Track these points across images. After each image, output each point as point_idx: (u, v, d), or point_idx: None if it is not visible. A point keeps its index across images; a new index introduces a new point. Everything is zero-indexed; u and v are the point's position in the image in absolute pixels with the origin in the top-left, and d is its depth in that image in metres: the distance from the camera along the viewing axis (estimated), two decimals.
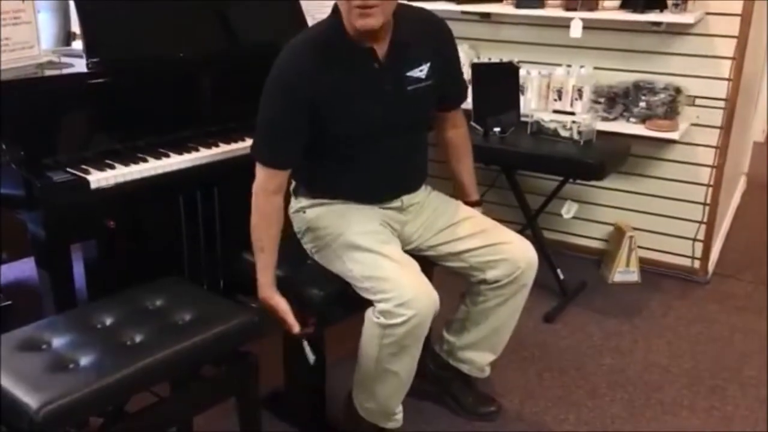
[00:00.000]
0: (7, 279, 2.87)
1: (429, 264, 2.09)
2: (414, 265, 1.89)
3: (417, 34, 1.91)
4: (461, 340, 2.16)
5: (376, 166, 1.97)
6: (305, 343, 1.93)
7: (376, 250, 1.88)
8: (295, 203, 2.08)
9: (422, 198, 2.10)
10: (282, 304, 1.92)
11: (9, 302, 1.86)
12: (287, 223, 2.12)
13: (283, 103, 1.84)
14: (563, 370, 2.52)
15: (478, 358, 2.18)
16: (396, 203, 2.03)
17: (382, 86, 1.89)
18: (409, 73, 1.91)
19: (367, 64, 1.86)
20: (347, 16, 1.78)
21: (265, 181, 1.89)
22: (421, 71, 1.92)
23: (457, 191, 2.23)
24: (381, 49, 1.86)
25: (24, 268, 2.80)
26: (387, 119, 1.91)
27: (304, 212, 2.04)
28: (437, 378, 2.25)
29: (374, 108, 1.89)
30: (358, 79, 1.87)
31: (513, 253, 2.00)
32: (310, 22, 2.55)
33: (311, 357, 1.94)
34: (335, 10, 1.85)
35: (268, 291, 1.93)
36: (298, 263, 2.04)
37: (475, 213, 2.12)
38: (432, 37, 1.98)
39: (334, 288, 1.95)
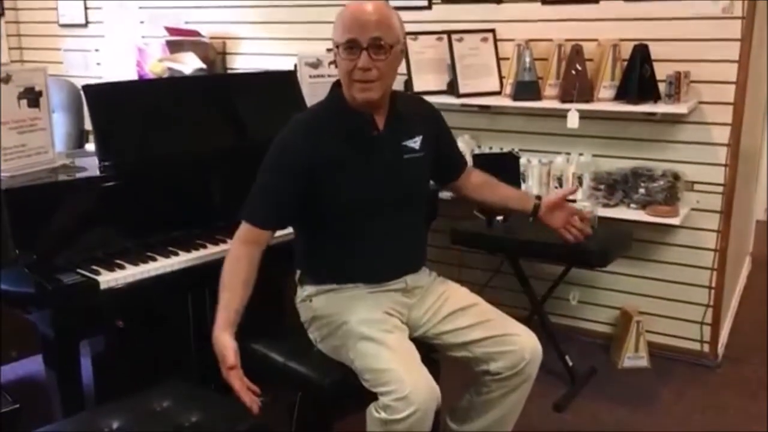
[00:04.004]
0: (17, 375, 2.86)
1: (434, 352, 2.09)
2: (415, 356, 1.89)
3: (410, 110, 2.09)
4: (465, 428, 2.13)
5: (377, 241, 2.02)
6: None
7: (377, 340, 1.89)
8: (301, 292, 2.10)
9: (427, 282, 2.13)
10: (229, 346, 1.86)
11: (17, 405, 1.86)
12: (294, 314, 2.14)
13: (278, 167, 1.97)
14: None
15: None
16: (400, 284, 2.06)
17: (381, 153, 2.01)
18: (404, 143, 2.04)
19: (367, 132, 1.99)
20: (348, 89, 1.94)
21: (242, 233, 1.99)
22: (415, 142, 2.05)
23: (518, 207, 2.32)
24: (380, 120, 2.01)
25: (32, 365, 2.80)
26: (386, 184, 2.01)
27: (311, 301, 2.07)
28: None
29: (374, 172, 1.99)
30: (357, 146, 1.98)
31: (518, 345, 2.00)
32: None
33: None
34: (335, 85, 2.02)
35: (217, 331, 1.89)
36: (304, 353, 2.04)
37: (479, 300, 2.13)
38: (423, 114, 2.15)
39: (340, 376, 1.95)
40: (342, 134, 1.97)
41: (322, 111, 2.04)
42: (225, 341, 1.88)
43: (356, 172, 1.97)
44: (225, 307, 1.93)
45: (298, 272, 2.12)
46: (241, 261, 1.96)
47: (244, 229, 1.99)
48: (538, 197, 2.28)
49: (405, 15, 3.23)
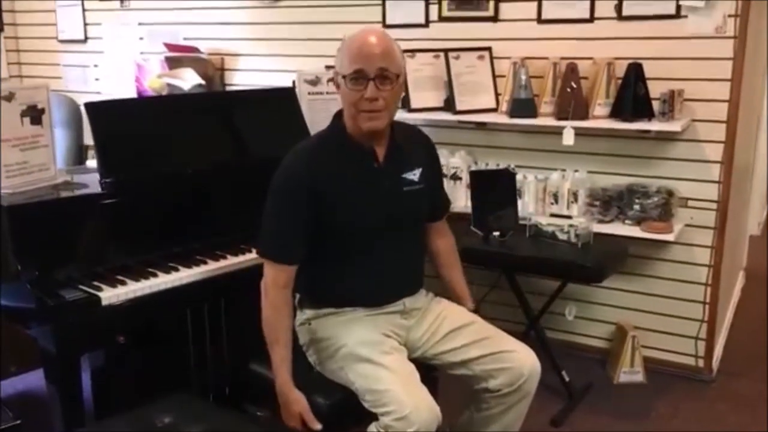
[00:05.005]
0: (16, 390, 2.87)
1: (434, 370, 2.12)
2: (414, 377, 1.91)
3: (410, 143, 2.12)
4: None
5: (376, 266, 2.05)
6: None
7: (376, 361, 1.91)
8: (300, 315, 2.13)
9: (424, 304, 2.15)
10: (302, 402, 1.93)
11: (18, 421, 1.87)
12: (293, 336, 2.16)
13: (287, 198, 1.98)
14: None
15: None
16: (398, 306, 2.09)
17: (382, 184, 2.03)
18: (404, 175, 2.07)
19: (368, 163, 2.02)
20: (353, 119, 1.96)
21: (275, 277, 1.97)
22: (414, 175, 2.08)
23: (454, 299, 2.26)
24: (381, 152, 2.04)
25: (31, 380, 2.80)
26: (386, 215, 2.03)
27: (310, 324, 2.09)
28: None
29: (374, 202, 2.02)
30: (359, 176, 2.01)
31: (517, 361, 2.02)
32: None
33: None
34: (337, 116, 2.04)
35: (287, 388, 1.94)
36: (304, 373, 2.05)
37: (476, 318, 2.16)
38: (422, 147, 2.18)
39: (341, 397, 1.97)
40: (343, 166, 2.00)
41: (324, 141, 2.06)
42: (298, 398, 1.93)
43: (356, 203, 2.00)
44: (282, 361, 1.95)
45: (298, 296, 2.15)
46: (281, 311, 1.98)
47: (276, 271, 1.98)
48: (475, 310, 2.23)
49: (403, 33, 3.33)
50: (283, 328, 1.97)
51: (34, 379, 2.67)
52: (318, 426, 1.91)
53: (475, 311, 2.24)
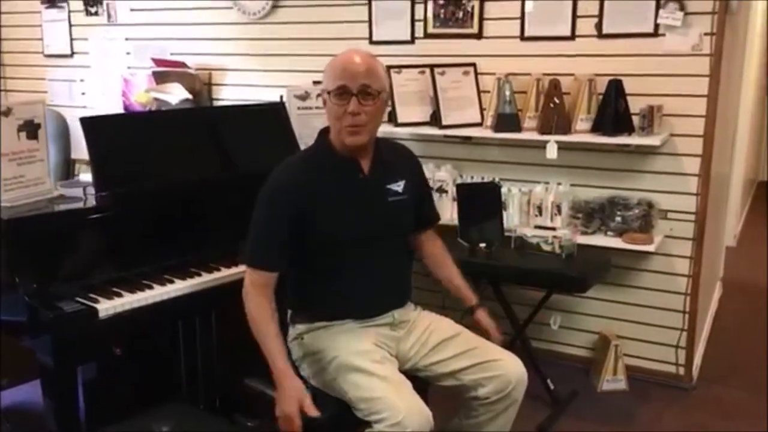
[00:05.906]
0: (11, 401, 2.85)
1: (424, 383, 2.16)
2: (407, 385, 1.97)
3: (394, 156, 2.22)
4: None
5: (365, 278, 2.11)
6: None
7: (369, 371, 1.96)
8: (293, 331, 2.18)
9: (413, 316, 2.22)
10: (301, 387, 1.94)
11: None
12: (287, 353, 2.20)
13: (273, 208, 2.05)
14: None
15: None
16: (388, 318, 2.14)
17: (367, 194, 2.12)
18: (389, 186, 2.15)
19: (354, 175, 2.10)
20: (337, 134, 2.05)
21: (254, 280, 2.04)
22: (398, 186, 2.16)
23: (455, 298, 2.34)
24: (365, 164, 2.12)
25: (28, 391, 2.79)
26: (373, 225, 2.10)
27: (302, 338, 2.14)
28: None
29: (361, 212, 2.09)
30: (345, 187, 2.09)
31: (504, 369, 2.08)
32: None
33: None
34: (322, 133, 2.13)
35: (284, 374, 1.95)
36: None
37: (463, 329, 2.21)
38: (405, 160, 2.27)
39: (336, 410, 2.00)
40: (329, 178, 2.08)
41: (310, 155, 2.16)
42: (298, 385, 1.94)
43: (344, 213, 2.07)
44: (278, 351, 1.97)
45: (290, 312, 2.20)
46: (264, 306, 2.01)
47: (252, 274, 2.05)
48: (476, 304, 2.31)
49: (389, 49, 3.40)
50: (272, 322, 1.99)
51: (31, 391, 2.67)
52: (315, 413, 1.90)
53: (478, 306, 2.29)
